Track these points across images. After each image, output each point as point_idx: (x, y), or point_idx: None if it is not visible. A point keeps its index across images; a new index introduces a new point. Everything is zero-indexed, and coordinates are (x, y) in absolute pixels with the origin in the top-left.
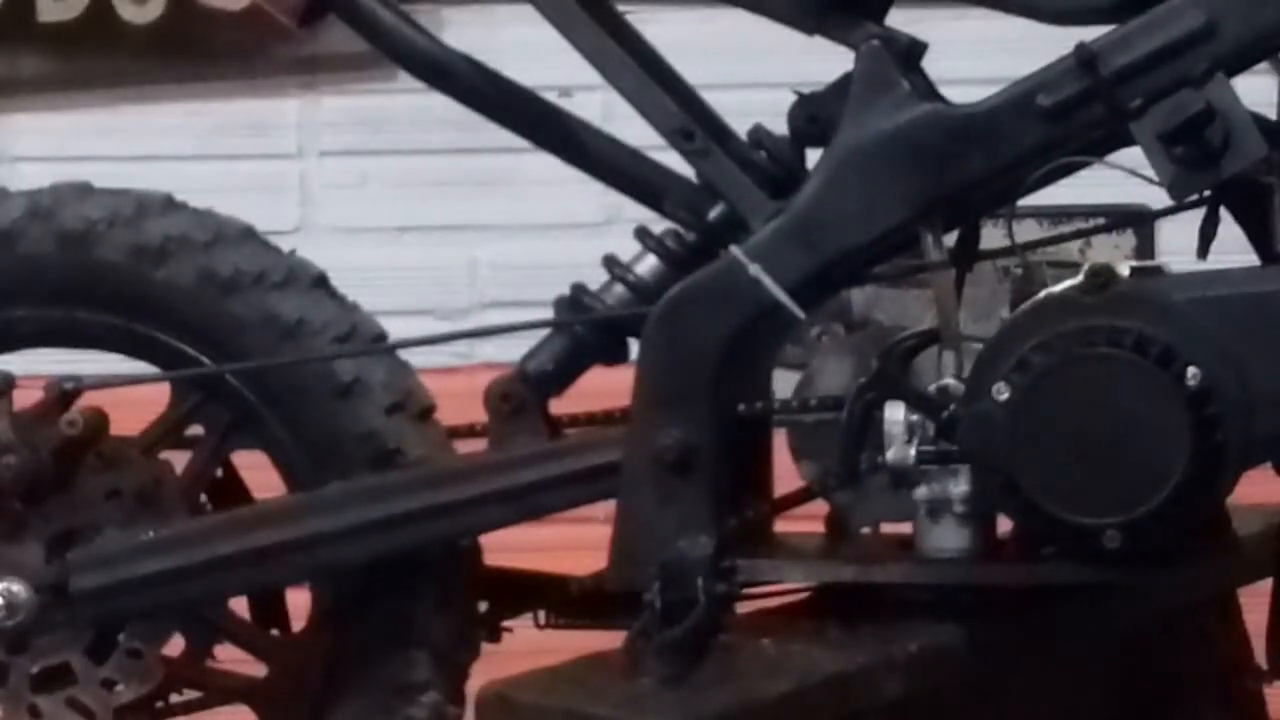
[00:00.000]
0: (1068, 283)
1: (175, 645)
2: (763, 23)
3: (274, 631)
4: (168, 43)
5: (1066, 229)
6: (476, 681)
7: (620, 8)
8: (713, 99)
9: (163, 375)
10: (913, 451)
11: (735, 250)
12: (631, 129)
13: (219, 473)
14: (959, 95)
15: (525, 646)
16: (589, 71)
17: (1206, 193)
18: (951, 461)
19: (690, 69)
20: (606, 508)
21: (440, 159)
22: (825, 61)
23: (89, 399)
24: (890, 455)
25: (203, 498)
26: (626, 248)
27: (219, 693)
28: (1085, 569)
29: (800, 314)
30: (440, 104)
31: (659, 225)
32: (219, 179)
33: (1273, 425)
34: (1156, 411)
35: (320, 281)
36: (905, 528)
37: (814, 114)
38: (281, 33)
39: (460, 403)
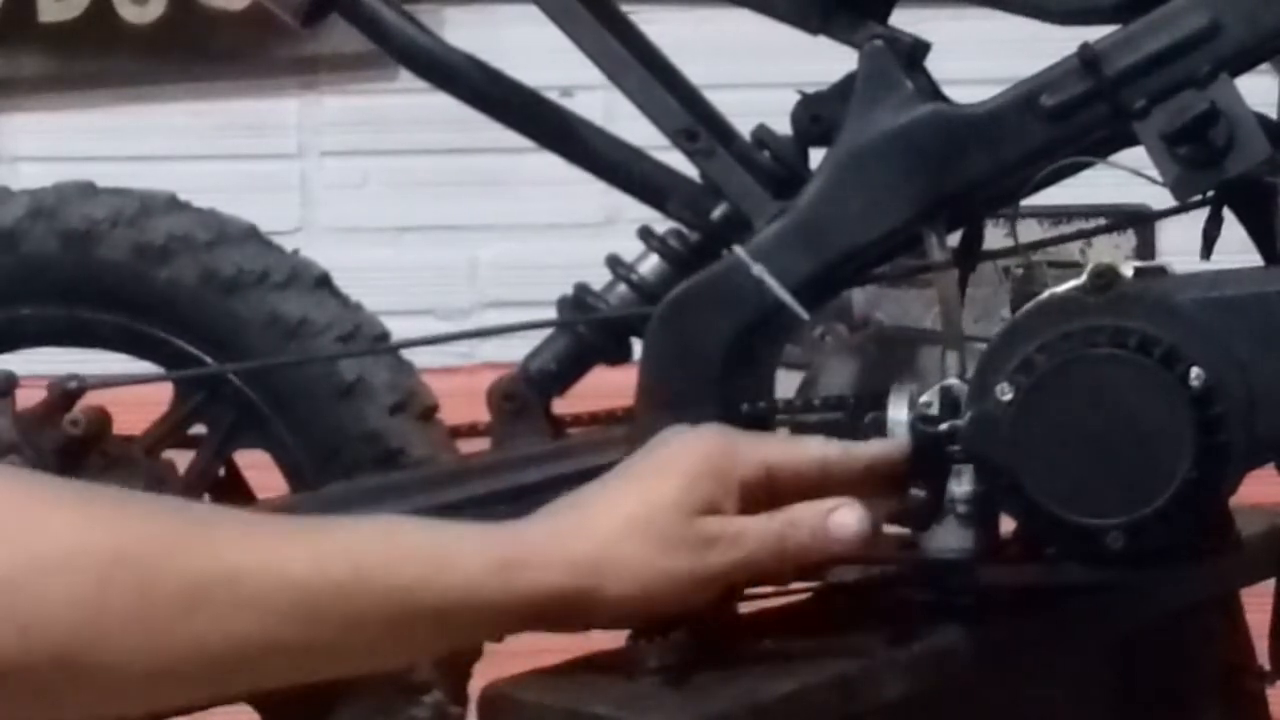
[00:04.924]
0: (1071, 283)
1: None
2: (766, 23)
3: None
4: (168, 43)
5: (1067, 229)
6: (478, 681)
7: (623, 7)
8: (716, 99)
9: (166, 375)
10: None
11: (738, 250)
12: (634, 129)
13: (222, 472)
14: (963, 95)
15: (527, 646)
16: (591, 71)
17: (1210, 193)
18: (954, 462)
19: (693, 69)
20: None
21: (441, 159)
22: (829, 61)
23: (92, 398)
24: None
25: (205, 497)
26: (628, 248)
27: None
28: (1088, 570)
29: (803, 314)
30: (441, 104)
31: (662, 225)
32: (219, 179)
33: (1277, 426)
34: (1160, 412)
35: (323, 281)
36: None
37: (817, 114)
38: (282, 33)
39: (462, 402)
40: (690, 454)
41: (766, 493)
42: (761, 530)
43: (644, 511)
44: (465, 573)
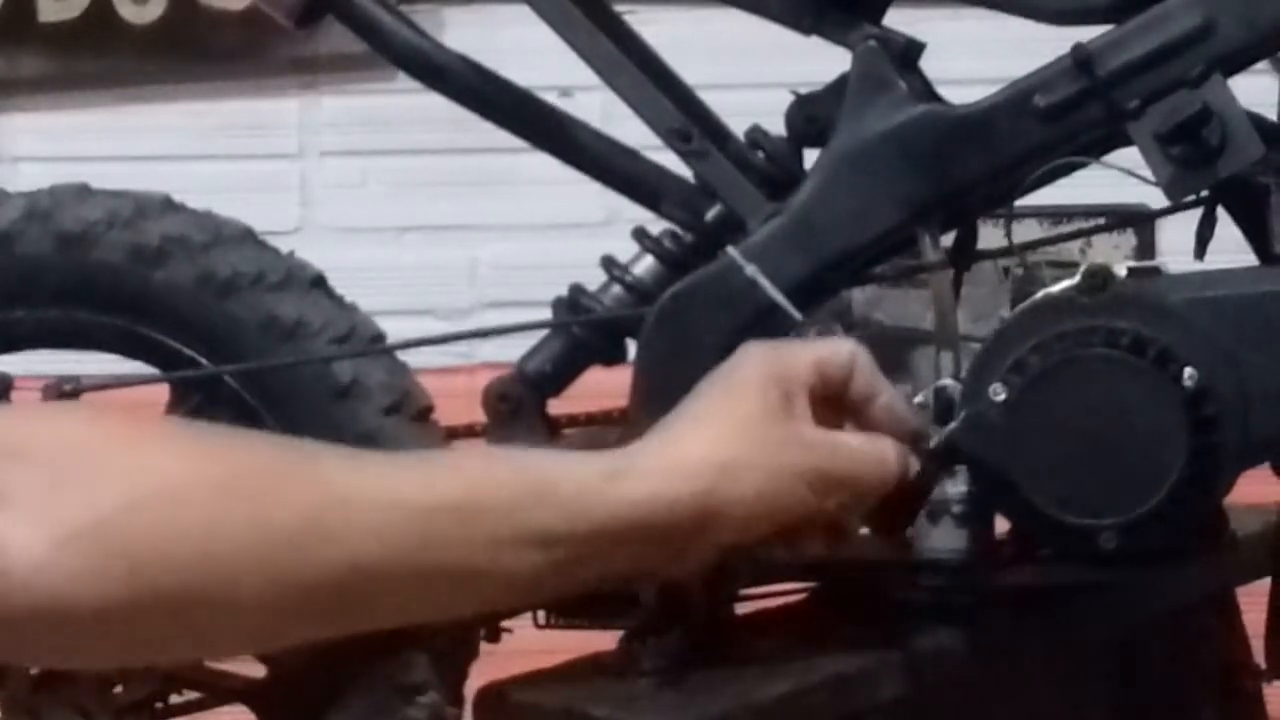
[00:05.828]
0: (1065, 283)
1: None
2: (760, 23)
3: None
4: (168, 43)
5: (1066, 229)
6: (475, 682)
7: (618, 8)
8: (710, 99)
9: (161, 376)
10: None
11: (732, 251)
12: (632, 129)
13: None
14: (957, 95)
15: (524, 646)
16: (588, 72)
17: (1204, 193)
18: (949, 462)
19: (688, 69)
20: None
21: (440, 159)
22: (824, 62)
23: (88, 400)
24: None
25: None
26: (626, 248)
27: (219, 693)
28: (1083, 569)
29: (797, 315)
30: (440, 104)
31: (657, 226)
32: (219, 179)
33: (1270, 426)
34: (1154, 412)
35: (319, 282)
36: None
37: (811, 114)
38: (281, 33)
39: (460, 403)
40: (746, 371)
41: (823, 396)
42: (860, 445)
43: (743, 418)
44: (575, 483)
